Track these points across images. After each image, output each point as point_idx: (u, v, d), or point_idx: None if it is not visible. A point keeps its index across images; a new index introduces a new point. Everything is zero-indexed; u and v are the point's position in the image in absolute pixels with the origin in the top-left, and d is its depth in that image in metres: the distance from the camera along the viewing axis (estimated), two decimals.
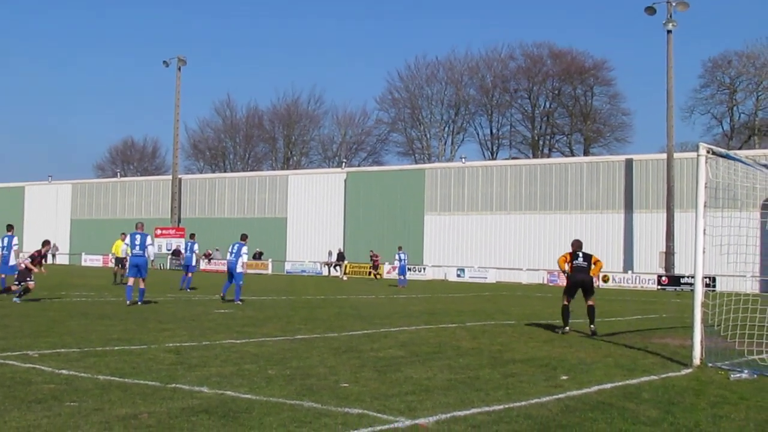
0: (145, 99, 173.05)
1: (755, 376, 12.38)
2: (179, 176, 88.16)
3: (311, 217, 79.99)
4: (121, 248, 39.33)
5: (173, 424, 8.07)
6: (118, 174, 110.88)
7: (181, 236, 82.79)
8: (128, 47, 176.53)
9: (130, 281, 25.22)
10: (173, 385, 10.29)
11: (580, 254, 19.59)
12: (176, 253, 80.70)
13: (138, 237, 25.23)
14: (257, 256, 78.13)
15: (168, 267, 77.92)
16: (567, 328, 19.47)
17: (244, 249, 27.65)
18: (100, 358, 12.49)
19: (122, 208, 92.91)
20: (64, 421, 8.06)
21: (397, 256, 50.64)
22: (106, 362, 12.10)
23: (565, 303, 19.72)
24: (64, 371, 11.06)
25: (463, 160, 78.01)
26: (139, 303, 24.66)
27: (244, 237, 28.23)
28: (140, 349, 13.95)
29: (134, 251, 25.26)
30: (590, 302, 19.36)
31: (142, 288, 25.10)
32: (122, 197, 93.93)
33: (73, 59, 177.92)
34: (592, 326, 19.09)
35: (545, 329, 20.24)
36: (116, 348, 13.92)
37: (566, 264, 19.59)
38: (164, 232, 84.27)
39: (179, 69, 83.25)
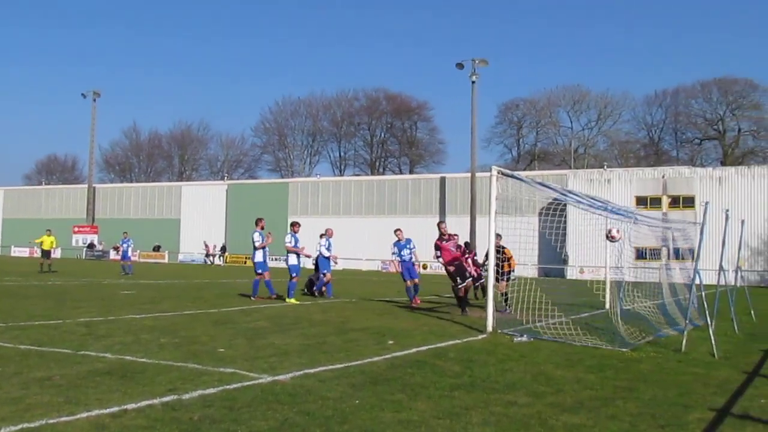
0: (66, 123, 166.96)
1: (532, 339, 12.66)
2: (94, 185, 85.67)
3: (200, 218, 78.78)
4: (48, 242, 37.83)
5: (80, 384, 7.71)
6: (43, 182, 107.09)
7: (95, 233, 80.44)
8: (56, 79, 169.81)
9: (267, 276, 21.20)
10: (82, 352, 9.85)
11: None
12: (91, 246, 78.25)
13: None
14: (156, 248, 76.59)
15: (84, 257, 75.44)
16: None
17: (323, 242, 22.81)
18: (22, 331, 11.87)
19: (46, 210, 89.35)
20: None
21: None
22: (28, 334, 11.49)
23: None
24: None
25: (318, 176, 78.33)
26: (253, 297, 20.83)
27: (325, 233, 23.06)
28: (57, 323, 13.30)
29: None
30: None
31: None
32: (46, 201, 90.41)
33: (10, 86, 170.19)
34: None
35: (378, 304, 20.32)
36: (37, 323, 13.23)
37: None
38: (81, 229, 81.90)
39: (95, 100, 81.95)
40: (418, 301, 20.27)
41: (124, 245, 38.20)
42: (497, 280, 17.34)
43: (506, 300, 17.20)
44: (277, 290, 21.66)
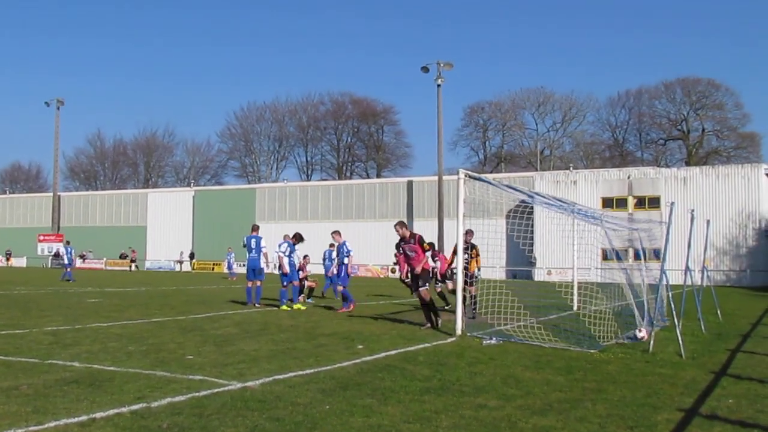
0: (30, 131, 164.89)
1: (501, 341, 12.73)
2: (59, 194, 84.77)
3: (166, 225, 78.32)
4: None
5: (48, 393, 7.64)
6: (7, 191, 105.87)
7: (60, 241, 79.48)
8: (19, 87, 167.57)
9: (248, 283, 21.21)
10: (50, 361, 9.75)
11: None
12: (57, 255, 77.30)
13: (253, 240, 20.85)
14: (123, 256, 75.94)
15: (49, 266, 74.62)
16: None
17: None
18: None
19: (11, 219, 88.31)
20: None
21: (227, 255, 53.47)
22: None
23: None
24: None
25: (285, 181, 78.10)
26: (257, 305, 20.68)
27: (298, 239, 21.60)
28: (23, 332, 13.17)
29: (250, 254, 20.86)
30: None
31: (258, 287, 20.99)
32: (11, 210, 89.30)
33: None
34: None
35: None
36: (2, 332, 13.09)
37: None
38: (46, 238, 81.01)
39: (58, 108, 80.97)
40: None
41: (67, 252, 39.31)
42: (465, 282, 16.82)
43: (475, 303, 17.12)
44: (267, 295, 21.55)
